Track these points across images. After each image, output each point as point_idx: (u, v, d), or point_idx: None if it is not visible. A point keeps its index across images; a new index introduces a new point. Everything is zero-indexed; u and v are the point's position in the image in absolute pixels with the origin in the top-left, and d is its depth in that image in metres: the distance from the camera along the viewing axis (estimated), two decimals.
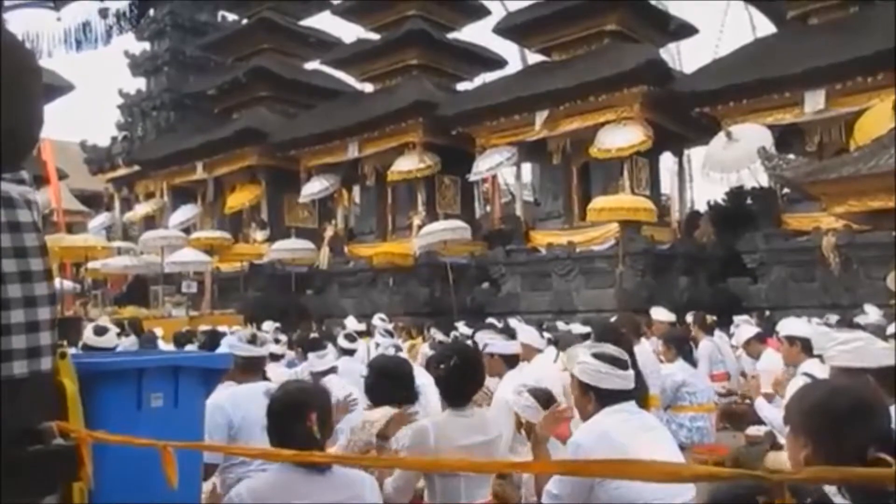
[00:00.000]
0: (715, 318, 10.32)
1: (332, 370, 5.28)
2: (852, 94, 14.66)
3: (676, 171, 21.46)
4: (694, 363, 6.79)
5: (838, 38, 14.82)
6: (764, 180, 16.69)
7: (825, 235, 14.03)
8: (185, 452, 2.05)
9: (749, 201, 17.25)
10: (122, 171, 28.02)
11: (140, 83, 28.69)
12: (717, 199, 19.55)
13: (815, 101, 14.95)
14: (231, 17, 28.44)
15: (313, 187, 22.38)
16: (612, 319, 7.80)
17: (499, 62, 23.93)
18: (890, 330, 6.11)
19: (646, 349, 6.69)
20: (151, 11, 25.26)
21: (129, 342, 10.50)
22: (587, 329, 7.95)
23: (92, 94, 31.08)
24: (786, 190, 15.25)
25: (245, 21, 26.40)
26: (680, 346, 6.72)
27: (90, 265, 20.66)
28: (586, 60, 18.15)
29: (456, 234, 18.30)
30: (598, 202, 16.38)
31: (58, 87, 18.95)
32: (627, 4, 18.50)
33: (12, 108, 1.69)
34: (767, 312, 13.00)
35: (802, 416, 1.82)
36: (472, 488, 2.99)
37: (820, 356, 3.56)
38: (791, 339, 4.91)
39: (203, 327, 13.34)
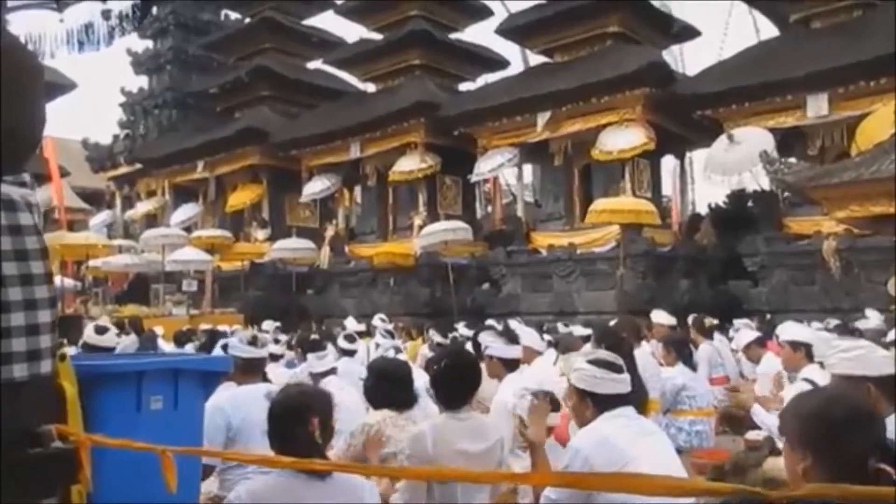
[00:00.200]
0: (715, 321, 10.31)
1: (332, 371, 5.28)
2: (855, 97, 14.65)
3: (678, 174, 21.47)
4: (693, 367, 6.78)
5: (841, 42, 14.82)
6: (765, 183, 16.68)
7: (826, 239, 14.01)
8: (183, 454, 2.05)
9: (750, 204, 17.23)
10: (123, 170, 28.05)
11: (142, 81, 28.73)
12: (719, 202, 19.54)
13: (817, 105, 14.94)
14: (234, 16, 28.46)
15: (314, 187, 22.39)
16: (613, 322, 7.79)
17: (501, 63, 23.93)
18: (890, 336, 6.10)
19: (646, 352, 6.69)
20: (154, 10, 25.26)
21: (130, 341, 10.50)
22: (588, 331, 7.95)
23: (94, 92, 31.15)
24: (787, 193, 15.24)
25: (248, 20, 26.41)
26: (679, 349, 6.72)
27: (91, 263, 20.67)
28: (588, 62, 18.15)
29: (457, 234, 18.30)
30: (600, 204, 16.38)
31: (60, 86, 18.94)
32: (630, 6, 18.50)
33: (13, 108, 1.68)
34: (768, 316, 12.97)
35: (799, 427, 1.79)
36: (470, 492, 2.99)
37: (821, 363, 3.56)
38: (795, 345, 4.90)
39: (203, 326, 13.36)
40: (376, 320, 12.19)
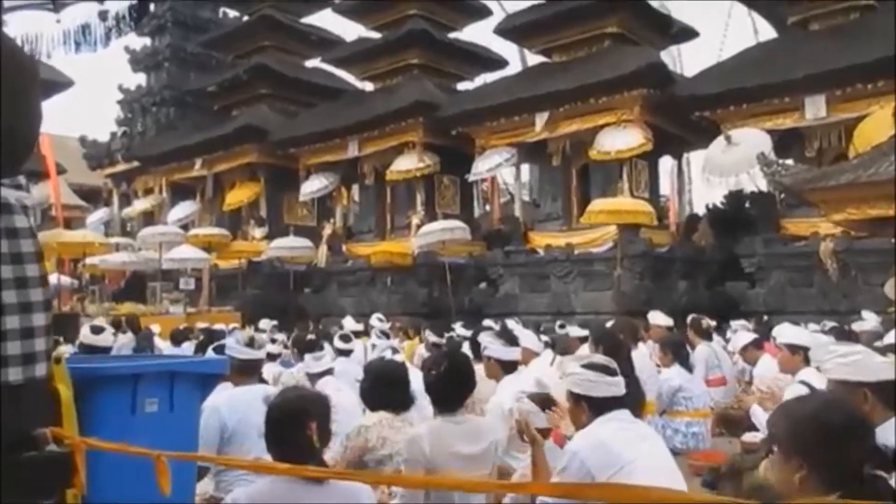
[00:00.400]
0: (713, 323, 10.31)
1: (329, 372, 5.27)
2: (852, 100, 14.65)
3: (676, 175, 21.47)
4: (690, 368, 6.79)
5: (839, 44, 14.82)
6: (763, 184, 16.70)
7: (823, 241, 14.01)
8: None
9: (748, 205, 17.24)
10: (121, 167, 27.99)
11: (140, 79, 28.66)
12: (716, 203, 19.55)
13: (815, 107, 14.95)
14: (232, 14, 28.41)
15: (312, 185, 22.37)
16: (610, 324, 7.79)
17: (500, 63, 23.93)
18: (889, 339, 6.10)
19: (643, 354, 6.70)
20: (152, 7, 25.20)
21: (127, 339, 10.50)
22: (584, 332, 7.96)
23: (92, 90, 31.04)
24: (784, 195, 15.25)
25: (246, 18, 26.36)
26: (676, 350, 6.73)
27: (88, 261, 20.63)
28: (587, 62, 18.15)
29: (455, 234, 18.29)
30: (597, 204, 16.38)
31: (57, 83, 18.89)
32: (629, 7, 18.48)
33: (11, 109, 1.68)
34: (765, 317, 12.98)
35: (794, 435, 1.77)
36: (466, 494, 3.00)
37: (818, 367, 3.56)
38: (793, 348, 4.90)
39: (200, 324, 13.36)
40: (373, 320, 12.18)
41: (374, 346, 8.95)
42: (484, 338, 5.20)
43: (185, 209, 25.47)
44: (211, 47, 26.94)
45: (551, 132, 18.03)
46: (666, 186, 22.12)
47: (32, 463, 1.78)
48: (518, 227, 18.98)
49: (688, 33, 21.02)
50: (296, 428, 2.43)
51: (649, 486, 1.03)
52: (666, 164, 21.26)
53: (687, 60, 34.09)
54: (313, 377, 5.15)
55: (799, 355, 4.82)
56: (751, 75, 15.66)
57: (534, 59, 22.52)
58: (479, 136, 19.41)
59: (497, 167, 19.66)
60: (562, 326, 10.93)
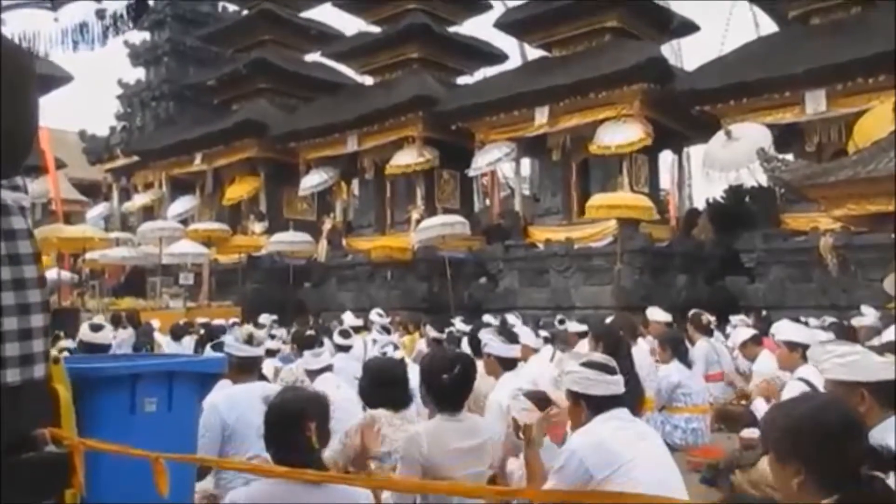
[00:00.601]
0: (713, 318, 10.31)
1: (328, 368, 5.27)
2: (852, 95, 14.62)
3: (676, 169, 21.45)
4: (689, 364, 6.79)
5: (839, 39, 14.79)
6: (763, 179, 16.68)
7: (823, 236, 14.02)
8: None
9: (748, 200, 17.23)
10: (120, 162, 27.95)
11: (140, 73, 28.61)
12: (716, 198, 19.54)
13: (815, 102, 14.92)
14: (232, 8, 28.33)
15: (312, 180, 22.34)
16: (609, 320, 7.79)
17: (499, 57, 23.85)
18: (887, 335, 6.10)
19: (643, 350, 6.70)
20: (151, 2, 25.14)
21: (127, 334, 10.53)
22: (583, 327, 7.96)
23: (91, 84, 30.99)
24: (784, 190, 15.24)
25: (246, 12, 26.29)
26: (675, 346, 6.73)
27: (88, 256, 20.62)
28: (587, 57, 18.11)
29: (454, 228, 18.27)
30: (597, 199, 16.36)
31: (56, 78, 18.87)
32: (629, 1, 18.41)
33: (10, 109, 1.68)
34: (764, 312, 12.98)
35: (790, 438, 1.76)
36: None
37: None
38: (791, 345, 4.91)
39: (200, 319, 13.38)
40: (373, 315, 12.19)
41: (374, 341, 8.96)
42: (484, 335, 5.20)
43: (184, 204, 25.46)
44: (210, 42, 26.87)
45: (551, 127, 18.01)
46: (666, 181, 22.13)
47: (31, 464, 1.78)
48: (518, 221, 18.96)
49: (688, 28, 20.97)
50: (294, 429, 2.43)
51: (647, 495, 1.03)
52: (666, 158, 21.25)
53: (687, 55, 34.07)
54: (312, 374, 5.15)
55: (797, 352, 4.82)
56: (751, 70, 15.63)
57: (534, 53, 22.47)
58: (478, 130, 19.38)
59: (497, 162, 19.64)
60: (561, 321, 10.91)
